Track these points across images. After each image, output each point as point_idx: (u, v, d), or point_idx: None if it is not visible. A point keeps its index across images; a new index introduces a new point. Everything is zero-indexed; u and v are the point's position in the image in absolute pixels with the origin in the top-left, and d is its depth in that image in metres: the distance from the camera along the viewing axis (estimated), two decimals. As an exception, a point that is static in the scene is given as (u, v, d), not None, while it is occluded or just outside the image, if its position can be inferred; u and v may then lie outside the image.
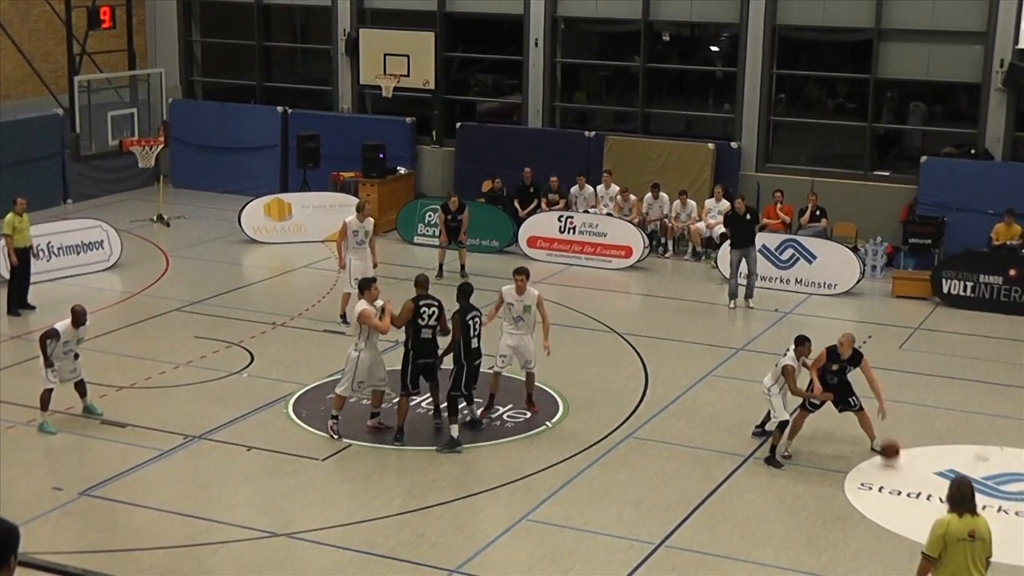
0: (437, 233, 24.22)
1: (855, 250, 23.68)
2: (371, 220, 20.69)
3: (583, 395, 17.26)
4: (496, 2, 28.76)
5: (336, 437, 15.66)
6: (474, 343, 15.46)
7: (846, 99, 27.39)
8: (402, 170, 28.31)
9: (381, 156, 27.43)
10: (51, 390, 15.82)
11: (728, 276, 22.19)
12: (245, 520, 13.49)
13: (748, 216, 22.11)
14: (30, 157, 27.70)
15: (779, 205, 25.00)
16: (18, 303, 20.86)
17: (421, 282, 15.90)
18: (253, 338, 19.59)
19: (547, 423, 16.39)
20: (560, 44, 28.48)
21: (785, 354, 15.43)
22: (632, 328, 20.51)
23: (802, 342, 15.44)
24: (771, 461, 15.12)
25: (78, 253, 23.12)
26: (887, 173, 26.14)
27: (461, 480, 14.65)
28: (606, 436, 15.87)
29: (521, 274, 16.63)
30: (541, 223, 25.27)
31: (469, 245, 23.91)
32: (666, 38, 28.79)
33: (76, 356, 16.09)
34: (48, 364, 15.78)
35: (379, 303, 15.67)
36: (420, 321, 15.40)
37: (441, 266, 23.36)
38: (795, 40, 26.98)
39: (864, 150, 26.29)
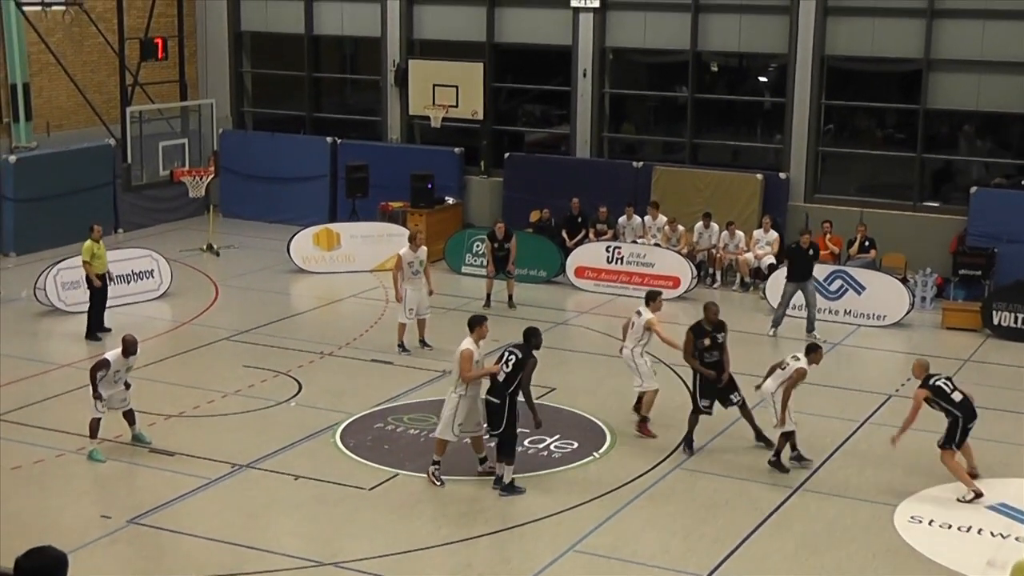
0: (485, 263, 24.22)
1: (904, 281, 23.50)
2: (424, 249, 20.73)
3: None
4: (545, 32, 28.84)
5: (439, 484, 15.19)
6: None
7: (895, 129, 27.23)
8: (450, 200, 28.38)
9: (429, 186, 27.52)
10: (100, 419, 15.93)
11: (776, 305, 22.11)
12: (292, 549, 13.49)
13: (811, 251, 21.99)
14: (82, 187, 27.97)
15: (828, 236, 24.86)
16: (97, 327, 21.22)
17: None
18: (301, 367, 19.65)
19: (594, 454, 16.32)
20: (608, 74, 28.50)
21: (797, 359, 15.93)
22: (680, 358, 20.38)
23: (814, 349, 16.06)
24: (777, 465, 15.72)
25: (129, 282, 23.29)
26: (937, 204, 25.94)
27: (508, 510, 14.60)
28: (654, 467, 15.79)
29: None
30: (589, 253, 25.25)
31: (516, 275, 23.84)
32: (714, 68, 28.76)
33: (127, 385, 16.19)
34: (96, 395, 15.87)
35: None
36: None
37: (489, 296, 23.37)
38: (844, 70, 26.86)
39: (913, 181, 26.11)
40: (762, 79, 28.77)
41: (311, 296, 24.63)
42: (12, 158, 27.01)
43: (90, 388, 15.98)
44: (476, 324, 15.30)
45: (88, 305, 21.39)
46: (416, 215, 27.23)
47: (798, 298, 21.90)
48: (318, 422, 17.30)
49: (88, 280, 21.35)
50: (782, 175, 26.53)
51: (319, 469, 15.70)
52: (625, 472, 15.60)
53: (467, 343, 15.08)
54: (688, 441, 16.33)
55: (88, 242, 21.39)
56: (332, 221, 28.08)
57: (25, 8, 28.38)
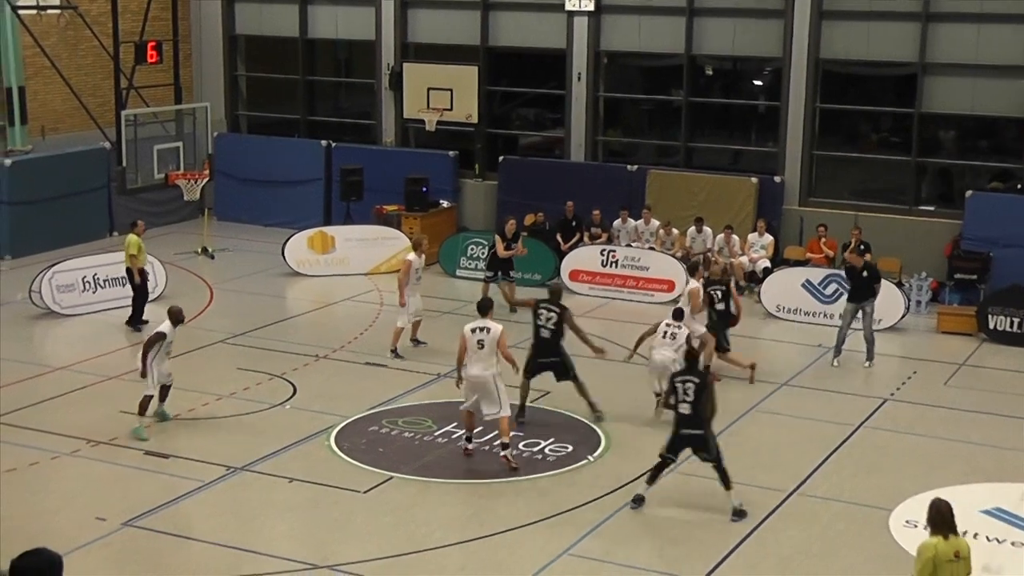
0: (484, 266, 24.06)
1: (899, 285, 23.53)
2: (423, 257, 20.94)
3: (625, 430, 17.20)
4: (539, 36, 28.86)
5: (516, 467, 15.70)
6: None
7: (890, 133, 27.27)
8: (444, 203, 28.41)
9: (424, 189, 27.55)
10: (152, 396, 16.71)
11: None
12: (287, 552, 13.50)
13: (865, 272, 20.70)
14: (77, 190, 27.97)
15: (822, 240, 24.91)
16: (138, 318, 21.85)
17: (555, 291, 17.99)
18: (296, 370, 19.66)
19: (589, 457, 16.33)
20: (603, 78, 28.53)
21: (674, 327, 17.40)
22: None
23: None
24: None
25: (123, 285, 23.23)
26: (932, 208, 25.96)
27: (502, 514, 14.60)
28: (648, 471, 15.77)
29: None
30: (583, 257, 25.27)
31: (512, 279, 23.55)
32: (709, 72, 28.78)
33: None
34: (145, 371, 16.61)
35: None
36: (539, 322, 17.34)
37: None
38: (838, 74, 26.90)
39: (908, 184, 26.15)
40: (757, 83, 28.81)
41: (306, 299, 24.64)
42: (7, 161, 27.01)
43: (140, 365, 16.66)
44: (488, 307, 16.27)
45: (132, 298, 22.01)
46: (410, 218, 27.25)
47: (860, 323, 20.88)
48: (313, 425, 17.30)
49: (130, 274, 21.95)
50: (777, 179, 26.56)
51: (314, 472, 15.70)
52: (620, 476, 15.59)
53: (499, 324, 15.93)
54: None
55: (132, 236, 22.04)
56: (326, 224, 28.09)
57: (20, 11, 28.38)
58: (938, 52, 25.37)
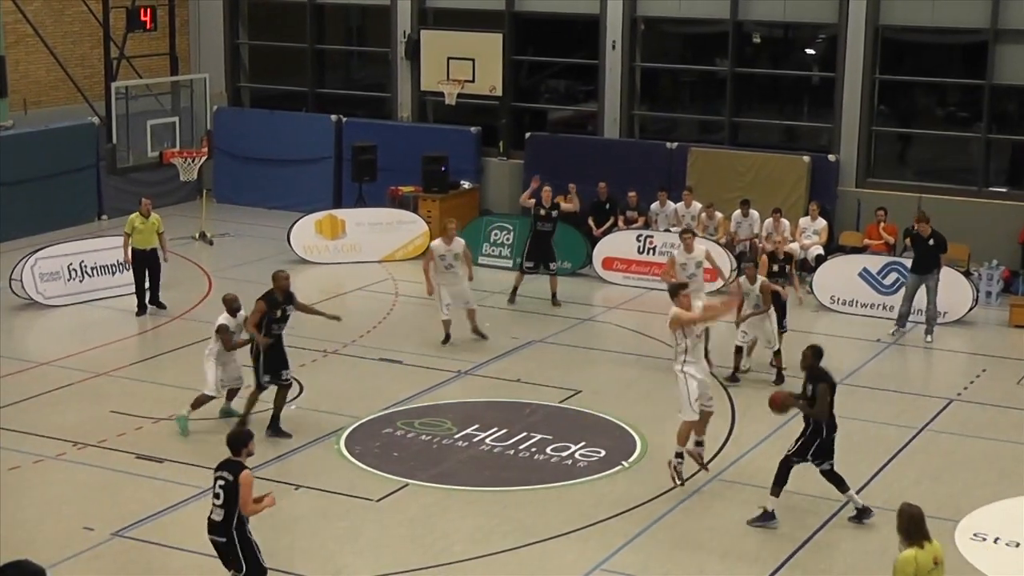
0: (521, 254, 23.55)
1: (967, 274, 23.42)
2: (460, 242, 20.82)
3: (663, 432, 17.12)
4: (570, 1, 28.81)
5: (680, 483, 15.38)
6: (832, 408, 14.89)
7: (957, 107, 27.15)
8: (466, 184, 28.41)
9: (443, 169, 27.54)
10: (211, 397, 17.18)
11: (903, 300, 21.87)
12: (291, 566, 13.52)
13: (931, 240, 21.29)
14: (63, 169, 28.05)
15: (882, 224, 24.80)
16: (143, 303, 22.28)
17: None
18: (303, 366, 19.65)
19: (623, 463, 16.32)
20: (640, 47, 28.46)
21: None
22: (717, 359, 20.35)
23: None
24: None
25: (113, 273, 23.35)
26: (1004, 189, 25.87)
27: (529, 524, 14.60)
28: (688, 478, 15.75)
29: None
30: (617, 243, 25.23)
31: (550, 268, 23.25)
32: (756, 40, 28.70)
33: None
34: (215, 361, 17.16)
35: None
36: None
37: (515, 290, 23.19)
38: (900, 42, 26.78)
39: (978, 163, 26.04)
40: (809, 52, 28.72)
41: (313, 289, 24.60)
42: (-14, 137, 27.14)
43: (210, 365, 17.12)
44: (678, 290, 15.76)
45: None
46: (429, 200, 27.26)
47: (924, 296, 21.47)
48: (321, 427, 17.34)
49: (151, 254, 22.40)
50: (831, 157, 26.46)
51: (322, 478, 15.73)
52: (657, 484, 15.56)
53: (675, 309, 15.39)
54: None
55: (133, 215, 22.42)
56: (336, 207, 28.12)
57: (-1, -27, 28.48)
58: (1012, 17, 25.20)
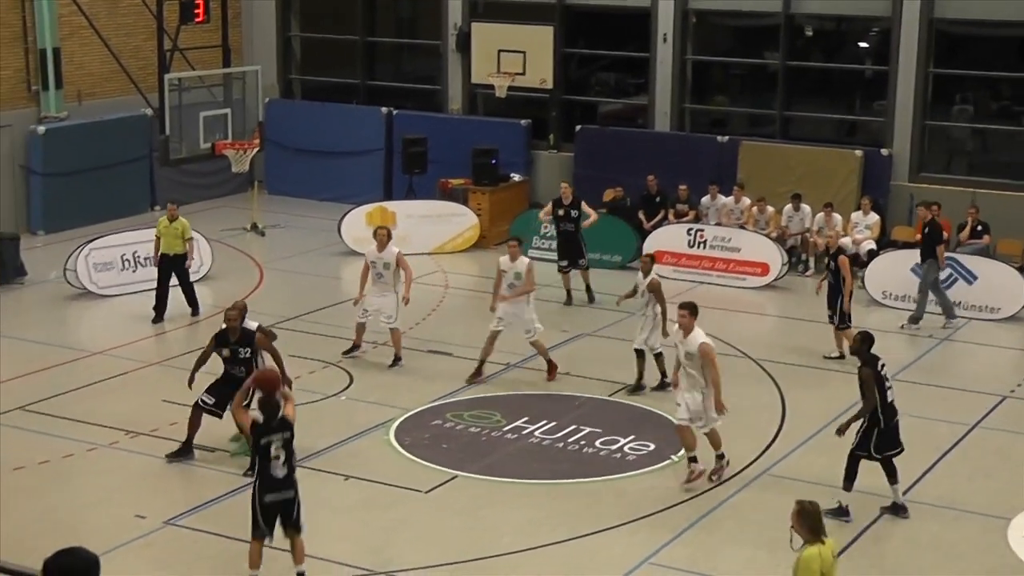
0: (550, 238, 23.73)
1: (1022, 270, 23.22)
2: (524, 260, 19.42)
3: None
4: (621, -7, 28.76)
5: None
6: (889, 396, 14.79)
7: (1012, 101, 26.91)
8: (516, 177, 28.39)
9: (493, 162, 27.54)
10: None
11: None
12: (340, 555, 13.56)
13: (927, 229, 21.80)
14: (116, 160, 28.28)
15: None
16: (160, 310, 21.71)
17: None
18: (353, 357, 19.73)
19: (673, 456, 16.25)
20: (691, 39, 28.36)
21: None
22: (768, 354, 20.31)
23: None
24: None
25: (167, 264, 23.48)
26: (1059, 184, 25.65)
27: (577, 517, 14.58)
28: (738, 472, 15.70)
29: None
30: (668, 236, 25.16)
31: (589, 261, 23.20)
32: (809, 33, 28.57)
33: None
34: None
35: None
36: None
37: (569, 292, 23.06)
38: (955, 35, 26.60)
39: (1032, 158, 25.85)
40: (862, 45, 28.55)
41: (363, 281, 24.72)
42: (41, 129, 27.35)
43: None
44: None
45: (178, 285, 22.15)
46: (478, 193, 27.27)
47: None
48: (370, 418, 17.38)
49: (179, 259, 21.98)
50: (884, 151, 26.30)
51: (371, 469, 15.77)
52: (705, 478, 15.51)
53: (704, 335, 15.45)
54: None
55: (162, 217, 22.23)
56: (387, 199, 28.18)
57: (55, -34, 28.64)
58: (1067, 11, 25.00)
